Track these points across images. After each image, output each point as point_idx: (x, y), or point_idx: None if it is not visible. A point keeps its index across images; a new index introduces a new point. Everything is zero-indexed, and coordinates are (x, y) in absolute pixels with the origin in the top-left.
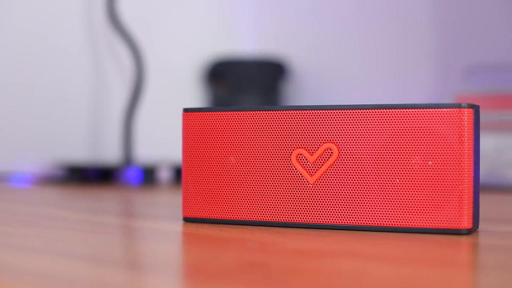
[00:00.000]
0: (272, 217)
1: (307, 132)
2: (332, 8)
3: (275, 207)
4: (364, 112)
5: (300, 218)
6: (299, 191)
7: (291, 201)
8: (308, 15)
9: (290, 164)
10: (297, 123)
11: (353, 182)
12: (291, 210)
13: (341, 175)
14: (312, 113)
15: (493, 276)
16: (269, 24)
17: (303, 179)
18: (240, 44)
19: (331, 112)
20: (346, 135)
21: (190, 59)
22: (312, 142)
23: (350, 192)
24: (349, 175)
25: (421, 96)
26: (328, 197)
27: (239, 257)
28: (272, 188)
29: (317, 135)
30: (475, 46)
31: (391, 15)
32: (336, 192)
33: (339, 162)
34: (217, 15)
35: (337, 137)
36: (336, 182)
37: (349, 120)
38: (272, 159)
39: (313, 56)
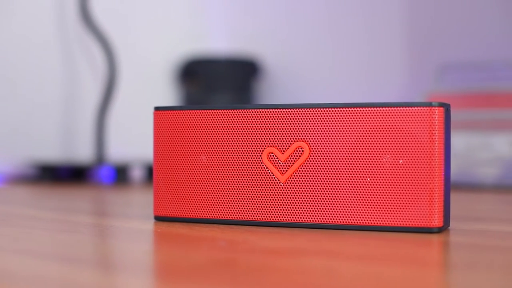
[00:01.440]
0: (243, 216)
1: (278, 131)
2: (304, 7)
3: (246, 206)
4: (335, 111)
5: (272, 216)
6: (270, 190)
7: (262, 199)
8: (280, 14)
9: (261, 163)
10: (268, 121)
11: (324, 181)
12: (262, 209)
13: (312, 173)
14: (283, 111)
15: (463, 274)
16: (242, 23)
17: (274, 177)
18: (212, 43)
19: (302, 111)
20: (317, 133)
21: (163, 58)
22: (283, 141)
23: (321, 191)
24: (320, 173)
25: (393, 95)
26: (299, 195)
27: (210, 256)
28: (243, 186)
29: (288, 133)
30: (446, 45)
31: (364, 14)
32: (307, 191)
33: (310, 161)
34: (190, 14)
35: (308, 136)
36: (307, 181)
37: (320, 118)
38: (243, 158)
39: (285, 55)
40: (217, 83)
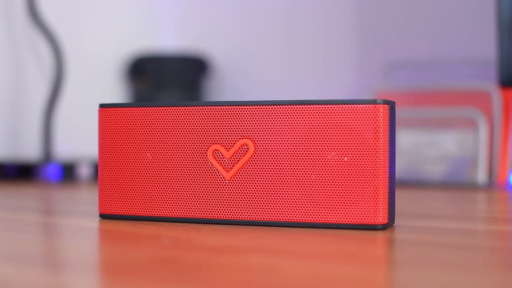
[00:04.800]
0: (188, 213)
1: (223, 128)
2: (254, 5)
3: (191, 203)
4: (280, 108)
5: (217, 214)
6: (216, 187)
7: (208, 197)
8: (230, 12)
9: (206, 160)
10: (213, 119)
11: (269, 178)
12: (208, 206)
13: (257, 171)
14: (228, 109)
15: (407, 271)
16: (191, 20)
17: (219, 175)
18: (161, 40)
19: (247, 108)
20: (262, 131)
21: (111, 55)
22: (228, 138)
23: (266, 188)
24: (265, 171)
25: (342, 93)
26: (244, 193)
27: (153, 253)
28: (189, 184)
29: (233, 131)
30: (394, 44)
31: (313, 13)
32: (252, 188)
33: (255, 158)
34: (138, 11)
35: (253, 133)
36: (252, 178)
37: (265, 116)
38: (188, 155)
39: (235, 53)
40: (165, 80)
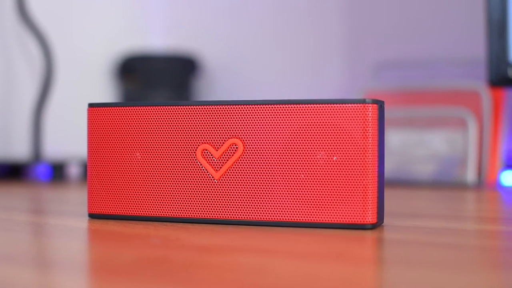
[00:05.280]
0: (177, 213)
1: (212, 128)
2: (243, 4)
3: (180, 203)
4: (269, 107)
5: (206, 213)
6: (205, 187)
7: (197, 196)
8: (219, 11)
9: (195, 160)
10: (202, 118)
11: (258, 178)
12: (197, 206)
13: (246, 170)
14: (217, 108)
15: (396, 270)
16: (181, 19)
17: (209, 174)
18: (151, 40)
19: (236, 108)
20: (251, 130)
21: (101, 54)
22: (217, 138)
23: (255, 188)
24: (254, 170)
25: (332, 92)
26: (234, 192)
27: (142, 253)
28: (178, 183)
29: (222, 130)
30: (384, 43)
31: (302, 12)
32: (241, 188)
33: (244, 158)
34: (128, 10)
35: (242, 133)
36: (241, 178)
37: (254, 115)
38: (177, 155)
39: (225, 52)
40: (155, 80)
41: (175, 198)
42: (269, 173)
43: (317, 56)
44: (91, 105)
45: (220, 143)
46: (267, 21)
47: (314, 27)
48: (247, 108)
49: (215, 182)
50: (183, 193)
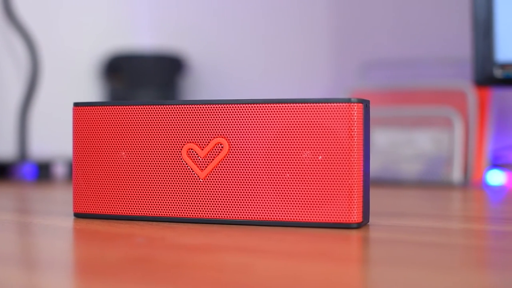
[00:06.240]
0: (163, 212)
1: (198, 127)
2: (231, 3)
3: (166, 202)
4: (255, 107)
5: (191, 213)
6: (190, 186)
7: (182, 196)
8: (206, 10)
9: (181, 159)
10: (187, 117)
11: (243, 177)
12: (182, 205)
13: (231, 169)
14: (202, 107)
15: (381, 269)
16: (167, 18)
17: (194, 174)
18: (137, 39)
19: (221, 107)
20: (237, 129)
21: (87, 53)
22: (203, 137)
23: (241, 187)
24: (239, 169)
25: (318, 92)
26: (219, 191)
27: (127, 252)
28: (163, 183)
29: (207, 129)
30: (371, 43)
31: (289, 11)
32: (227, 187)
33: (230, 157)
34: (114, 10)
35: (227, 132)
36: (227, 177)
37: (240, 114)
38: (163, 154)
39: (211, 51)
40: (141, 79)
41: (160, 197)
42: (255, 172)
43: (304, 56)
44: (76, 105)
45: (206, 142)
46: (254, 21)
47: (301, 26)
48: (233, 107)
49: (200, 181)
50: (168, 193)
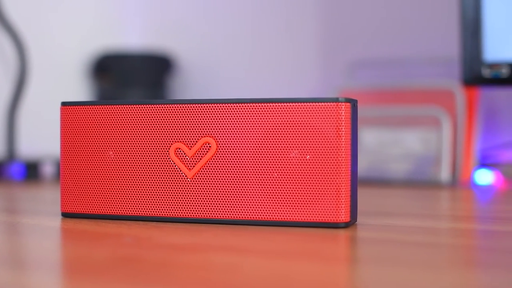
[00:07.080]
0: (150, 211)
1: (185, 126)
2: (219, 3)
3: (153, 202)
4: (242, 106)
5: (179, 212)
6: (178, 186)
7: (170, 195)
8: (195, 9)
9: (169, 158)
10: (175, 117)
11: (231, 176)
12: (170, 205)
13: (219, 169)
14: (190, 107)
15: (369, 269)
16: (155, 18)
17: (182, 173)
18: (126, 38)
19: (209, 106)
20: (224, 129)
21: (75, 53)
22: (190, 136)
23: (229, 186)
24: (227, 169)
25: (306, 91)
26: (207, 191)
27: (115, 252)
28: (151, 182)
29: (195, 129)
30: (359, 42)
31: (277, 11)
32: (215, 186)
33: (218, 156)
34: (102, 9)
35: (215, 131)
36: (215, 176)
37: (227, 114)
38: (151, 154)
39: (200, 51)
40: (130, 78)
41: (148, 197)
42: (242, 172)
43: (293, 55)
44: (64, 104)
45: (193, 142)
46: (242, 20)
47: (289, 25)
48: (220, 107)
49: (188, 181)
50: (156, 192)
